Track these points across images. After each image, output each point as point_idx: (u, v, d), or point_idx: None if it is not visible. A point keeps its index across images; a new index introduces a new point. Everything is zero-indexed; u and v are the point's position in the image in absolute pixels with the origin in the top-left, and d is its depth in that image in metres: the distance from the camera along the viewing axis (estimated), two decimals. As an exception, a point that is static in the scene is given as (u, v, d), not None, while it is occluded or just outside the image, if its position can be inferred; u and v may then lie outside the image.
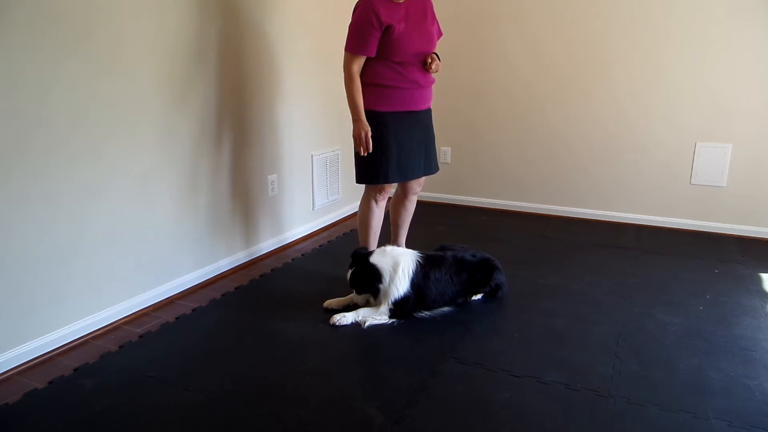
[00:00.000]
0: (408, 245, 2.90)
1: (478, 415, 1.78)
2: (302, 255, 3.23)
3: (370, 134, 2.45)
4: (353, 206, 4.08)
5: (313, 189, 3.57)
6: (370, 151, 2.46)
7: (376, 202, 2.65)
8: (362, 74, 2.48)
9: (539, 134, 3.96)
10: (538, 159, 3.99)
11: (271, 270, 3.00)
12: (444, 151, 4.23)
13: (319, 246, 3.39)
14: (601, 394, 1.88)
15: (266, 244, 3.22)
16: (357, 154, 2.56)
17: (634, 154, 3.72)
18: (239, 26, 2.82)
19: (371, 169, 2.53)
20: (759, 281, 2.84)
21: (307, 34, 3.33)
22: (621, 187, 3.81)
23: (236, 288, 2.76)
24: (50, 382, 1.96)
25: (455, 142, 4.20)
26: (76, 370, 2.04)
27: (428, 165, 2.70)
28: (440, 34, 2.66)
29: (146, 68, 2.37)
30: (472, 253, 2.60)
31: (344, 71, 2.46)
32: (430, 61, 2.53)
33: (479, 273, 2.53)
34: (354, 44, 2.41)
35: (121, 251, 2.38)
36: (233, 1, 2.76)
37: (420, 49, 2.51)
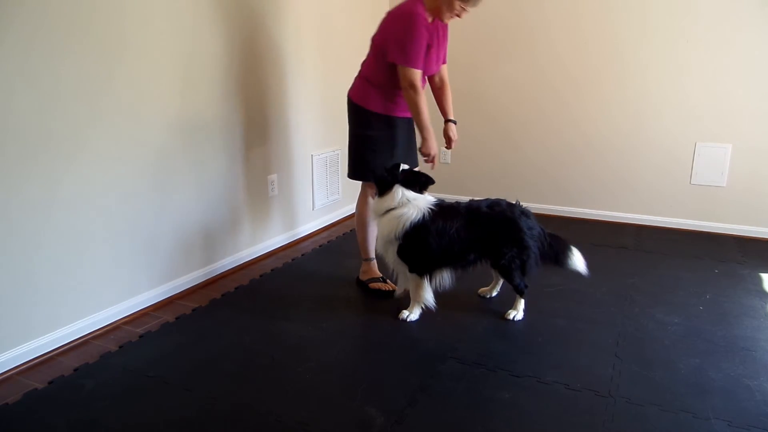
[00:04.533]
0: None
1: (478, 415, 1.78)
2: (302, 255, 3.23)
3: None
4: (353, 206, 4.07)
5: (313, 189, 3.57)
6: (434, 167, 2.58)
7: (373, 197, 2.65)
8: (382, 79, 2.49)
9: (538, 135, 3.96)
10: (538, 159, 3.99)
11: (272, 270, 3.00)
12: (444, 152, 4.23)
13: (320, 246, 3.39)
14: (601, 394, 1.88)
15: (266, 244, 3.22)
16: (359, 155, 2.58)
17: (634, 154, 3.72)
18: (239, 27, 2.82)
19: (378, 167, 2.53)
20: (759, 281, 2.84)
21: (308, 34, 3.33)
22: (621, 187, 3.81)
23: (236, 288, 2.76)
24: (50, 382, 1.96)
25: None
26: (76, 370, 2.04)
27: (413, 160, 2.71)
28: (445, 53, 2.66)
29: (148, 69, 2.37)
30: (498, 202, 2.37)
31: (411, 89, 2.38)
32: (447, 142, 2.70)
33: (496, 233, 2.31)
34: (416, 59, 2.36)
35: (121, 251, 2.38)
36: (234, 2, 2.76)
37: (434, 70, 2.58)
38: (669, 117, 3.59)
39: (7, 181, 1.93)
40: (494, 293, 2.64)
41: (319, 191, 3.63)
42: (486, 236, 2.33)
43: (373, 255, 2.77)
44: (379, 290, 2.69)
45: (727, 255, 3.22)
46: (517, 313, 2.44)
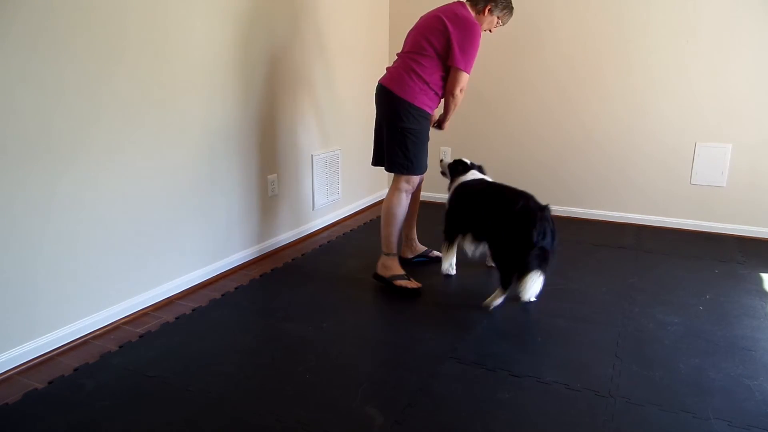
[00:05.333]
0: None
1: (478, 415, 1.78)
2: (302, 255, 3.23)
3: None
4: (353, 206, 4.08)
5: (313, 189, 3.57)
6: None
7: (407, 193, 2.74)
8: (436, 78, 2.62)
9: (539, 135, 3.96)
10: (538, 159, 3.99)
11: (272, 269, 3.00)
12: (444, 151, 4.23)
13: (319, 246, 3.39)
14: (601, 394, 1.88)
15: (266, 244, 3.22)
16: (403, 147, 2.64)
17: (634, 154, 3.72)
18: (237, 28, 2.82)
19: (419, 161, 2.68)
20: (759, 281, 2.84)
21: (307, 33, 3.33)
22: (621, 187, 3.81)
23: (236, 288, 2.76)
24: (50, 382, 1.96)
25: (455, 143, 4.20)
26: (76, 370, 2.04)
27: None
28: None
29: (148, 69, 2.37)
30: (521, 194, 2.52)
31: (462, 92, 2.65)
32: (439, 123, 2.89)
33: (504, 220, 2.45)
34: (472, 66, 2.62)
35: (121, 251, 2.38)
36: (234, 2, 2.77)
37: None
38: (669, 117, 3.59)
39: (9, 181, 1.94)
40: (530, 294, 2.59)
41: (319, 191, 3.63)
42: (487, 212, 2.55)
43: (396, 250, 2.76)
44: (405, 288, 2.67)
45: (727, 255, 3.22)
46: (493, 302, 2.49)
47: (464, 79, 2.61)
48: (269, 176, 3.17)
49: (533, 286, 2.38)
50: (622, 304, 2.58)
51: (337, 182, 3.82)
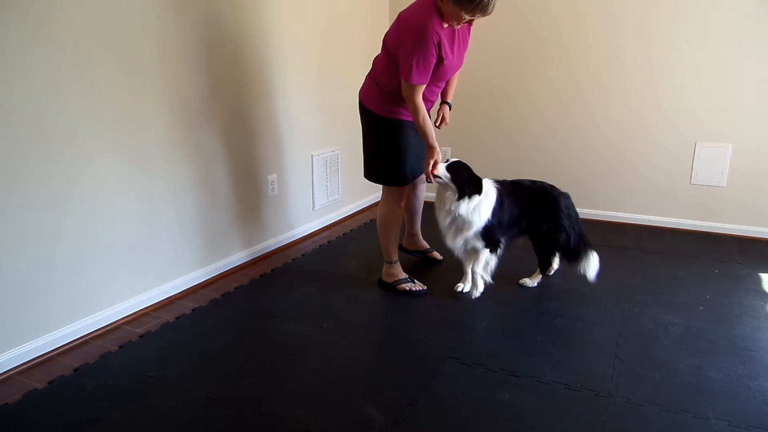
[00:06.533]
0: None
1: (478, 415, 1.78)
2: (302, 255, 3.23)
3: (440, 160, 2.46)
4: (353, 206, 4.08)
5: (313, 189, 3.57)
6: (431, 181, 2.49)
7: (398, 203, 2.66)
8: (392, 85, 2.42)
9: (539, 135, 3.96)
10: (538, 159, 3.99)
11: (272, 270, 3.00)
12: (444, 151, 4.22)
13: (320, 246, 3.39)
14: (601, 394, 1.88)
15: (266, 244, 3.22)
16: (378, 158, 2.58)
17: (634, 154, 3.72)
18: (237, 25, 2.82)
19: (394, 172, 2.56)
20: (759, 281, 2.84)
21: (307, 33, 3.33)
22: (621, 187, 3.81)
23: (236, 288, 2.76)
24: (50, 382, 1.96)
25: (455, 142, 4.21)
26: (76, 370, 2.04)
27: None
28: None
29: (144, 69, 2.37)
30: (538, 182, 2.74)
31: (410, 103, 2.34)
32: (440, 121, 2.71)
33: (537, 207, 2.64)
34: (419, 76, 2.29)
35: (122, 251, 2.38)
36: (231, 0, 2.77)
37: (451, 75, 2.54)
38: (669, 117, 3.59)
39: (23, 182, 1.94)
40: (554, 269, 2.89)
41: (319, 191, 3.63)
42: (528, 209, 2.64)
43: (397, 257, 2.75)
44: (410, 291, 2.67)
45: (727, 255, 3.22)
46: (531, 282, 2.76)
47: (407, 89, 2.30)
48: (269, 176, 3.17)
49: (594, 264, 2.65)
50: (622, 304, 2.58)
51: (337, 182, 3.82)
